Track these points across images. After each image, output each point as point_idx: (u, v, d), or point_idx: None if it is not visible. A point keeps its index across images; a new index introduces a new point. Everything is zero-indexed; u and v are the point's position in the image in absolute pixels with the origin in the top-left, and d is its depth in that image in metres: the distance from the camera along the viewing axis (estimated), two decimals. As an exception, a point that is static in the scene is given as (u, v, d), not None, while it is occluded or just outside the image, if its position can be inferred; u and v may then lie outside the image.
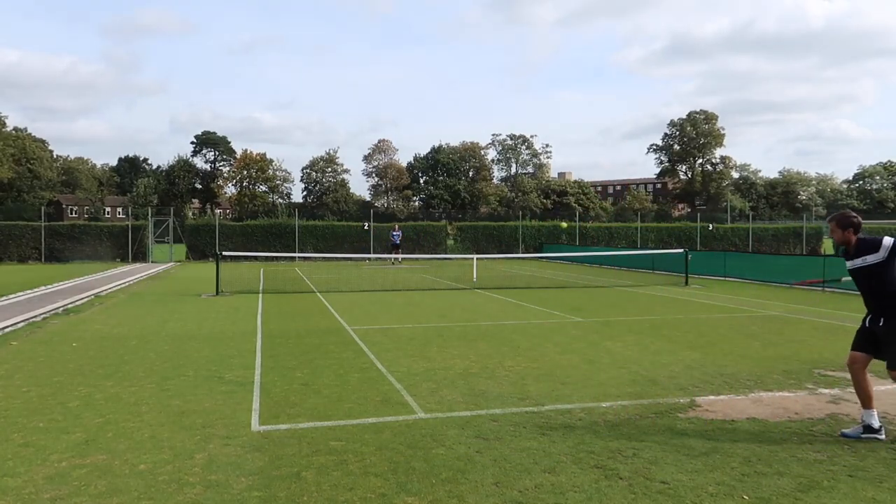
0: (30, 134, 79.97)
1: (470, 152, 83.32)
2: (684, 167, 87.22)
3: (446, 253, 36.51)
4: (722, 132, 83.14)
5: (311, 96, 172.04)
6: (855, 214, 5.47)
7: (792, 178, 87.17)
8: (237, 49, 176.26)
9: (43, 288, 18.03)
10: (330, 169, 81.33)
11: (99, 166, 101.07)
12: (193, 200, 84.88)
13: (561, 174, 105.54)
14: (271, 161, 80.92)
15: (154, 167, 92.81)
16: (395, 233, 33.74)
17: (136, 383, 7.12)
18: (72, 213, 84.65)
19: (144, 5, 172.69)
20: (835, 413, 6.03)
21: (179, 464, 4.66)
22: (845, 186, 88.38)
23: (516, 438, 5.24)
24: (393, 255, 31.14)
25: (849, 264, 5.41)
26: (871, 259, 5.20)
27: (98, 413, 5.96)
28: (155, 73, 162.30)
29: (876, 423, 5.22)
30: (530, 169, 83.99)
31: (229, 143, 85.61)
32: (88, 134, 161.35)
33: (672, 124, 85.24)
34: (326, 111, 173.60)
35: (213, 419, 5.75)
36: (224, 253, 19.29)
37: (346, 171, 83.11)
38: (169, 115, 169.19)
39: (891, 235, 5.35)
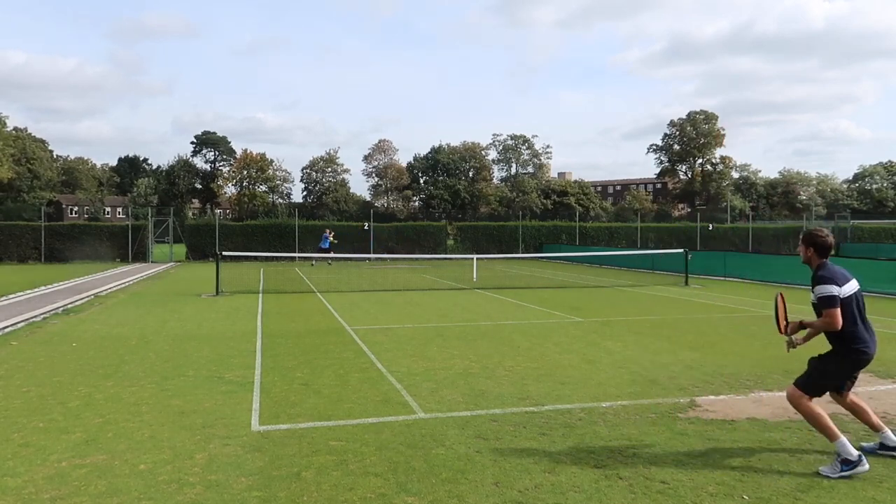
0: (30, 134, 79.99)
1: (470, 152, 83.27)
2: (684, 167, 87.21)
3: (446, 253, 36.50)
4: (722, 132, 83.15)
5: (314, 97, 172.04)
6: (824, 233, 4.82)
7: (792, 178, 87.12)
8: (241, 50, 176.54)
9: (43, 288, 18.03)
10: (330, 169, 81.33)
11: (99, 166, 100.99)
12: (193, 200, 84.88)
13: (561, 174, 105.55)
14: (271, 161, 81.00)
15: (154, 167, 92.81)
16: (325, 235, 31.92)
17: (136, 383, 7.12)
18: (72, 213, 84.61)
19: (150, 8, 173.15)
20: (835, 413, 6.02)
21: (179, 464, 4.66)
22: (845, 186, 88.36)
23: (516, 438, 5.24)
24: (318, 256, 29.92)
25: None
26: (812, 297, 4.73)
27: (98, 413, 5.96)
28: (159, 75, 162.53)
29: (854, 454, 4.50)
30: (530, 169, 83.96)
31: (229, 143, 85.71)
32: (91, 134, 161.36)
33: (672, 124, 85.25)
34: (328, 111, 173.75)
35: (213, 419, 5.75)
36: (224, 253, 19.29)
37: (347, 170, 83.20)
38: (172, 115, 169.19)
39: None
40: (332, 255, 29.73)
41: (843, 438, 4.47)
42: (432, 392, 6.69)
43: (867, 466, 4.40)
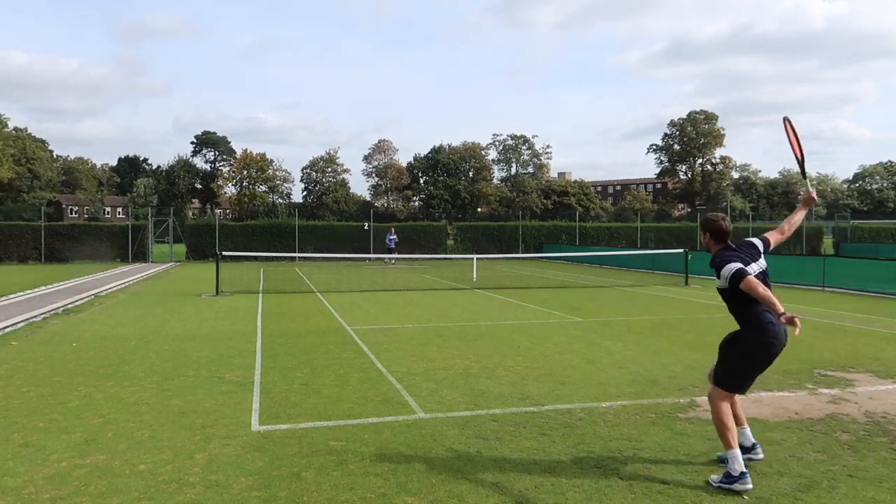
0: (30, 134, 79.85)
1: (470, 152, 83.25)
2: (684, 167, 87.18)
3: (446, 253, 36.50)
4: (722, 132, 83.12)
5: (315, 97, 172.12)
6: (718, 217, 4.65)
7: (792, 178, 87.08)
8: (243, 51, 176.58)
9: (43, 288, 18.03)
10: (330, 169, 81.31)
11: (99, 166, 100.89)
12: (193, 200, 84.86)
13: (561, 174, 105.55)
14: (271, 161, 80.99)
15: (154, 167, 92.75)
16: (391, 237, 33.12)
17: (136, 383, 7.12)
18: (72, 213, 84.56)
19: (152, 9, 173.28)
20: (835, 413, 6.03)
21: (179, 464, 4.66)
22: (845, 186, 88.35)
23: (516, 438, 5.24)
24: (387, 256, 30.74)
25: None
26: (718, 283, 4.50)
27: (98, 413, 5.96)
28: (161, 75, 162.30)
29: (739, 471, 4.26)
30: (530, 169, 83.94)
31: (229, 143, 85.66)
32: (92, 134, 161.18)
33: (672, 124, 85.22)
34: (330, 112, 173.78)
35: (213, 419, 5.75)
36: (224, 253, 19.28)
37: (347, 170, 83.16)
38: (173, 115, 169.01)
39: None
40: (394, 255, 30.19)
41: (738, 451, 4.30)
42: (432, 392, 6.69)
43: (749, 486, 4.17)
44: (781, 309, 4.12)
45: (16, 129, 75.84)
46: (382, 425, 5.57)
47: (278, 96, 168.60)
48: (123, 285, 19.53)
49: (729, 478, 4.23)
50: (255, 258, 31.49)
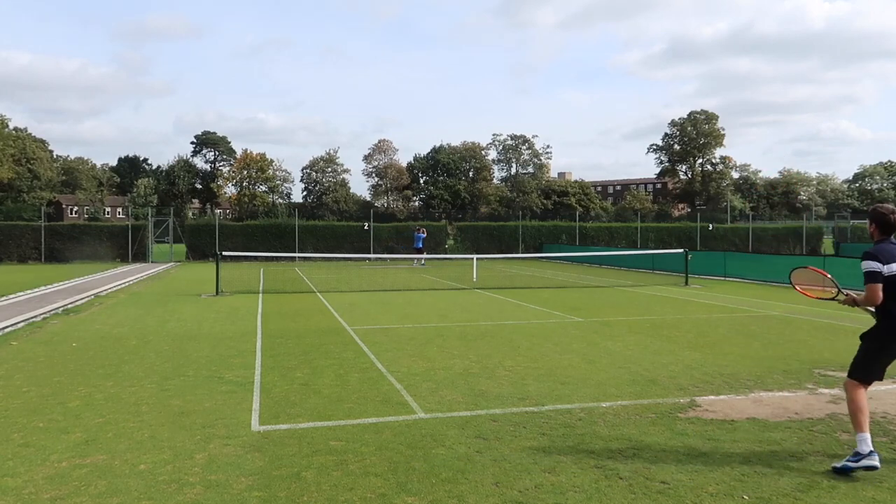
0: (30, 134, 79.81)
1: (470, 152, 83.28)
2: (684, 167, 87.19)
3: (446, 253, 36.49)
4: (722, 132, 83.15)
5: (316, 97, 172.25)
6: (887, 210, 4.84)
7: (792, 178, 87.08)
8: (245, 52, 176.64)
9: (43, 288, 18.03)
10: (330, 169, 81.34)
11: (99, 166, 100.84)
12: (193, 200, 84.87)
13: (561, 174, 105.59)
14: (271, 161, 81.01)
15: (154, 167, 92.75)
16: (418, 234, 32.47)
17: (136, 383, 7.12)
18: (72, 213, 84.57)
19: (154, 9, 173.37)
20: (835, 413, 6.03)
21: (179, 464, 4.66)
22: (845, 186, 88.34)
23: (516, 438, 5.24)
24: (417, 256, 30.34)
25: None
26: None
27: (98, 413, 5.96)
28: (163, 75, 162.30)
29: (866, 449, 4.53)
30: (531, 169, 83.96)
31: (229, 143, 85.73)
32: (94, 135, 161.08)
33: (672, 124, 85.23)
34: (331, 112, 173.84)
35: (213, 419, 5.75)
36: (224, 253, 19.28)
37: (347, 171, 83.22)
38: (174, 116, 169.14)
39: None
40: (423, 255, 29.88)
41: (867, 435, 4.53)
42: (432, 392, 6.69)
43: (876, 462, 4.42)
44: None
45: (16, 129, 75.81)
46: (382, 425, 5.57)
47: (279, 96, 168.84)
48: (123, 285, 19.53)
49: (857, 456, 4.46)
50: (255, 258, 31.49)
